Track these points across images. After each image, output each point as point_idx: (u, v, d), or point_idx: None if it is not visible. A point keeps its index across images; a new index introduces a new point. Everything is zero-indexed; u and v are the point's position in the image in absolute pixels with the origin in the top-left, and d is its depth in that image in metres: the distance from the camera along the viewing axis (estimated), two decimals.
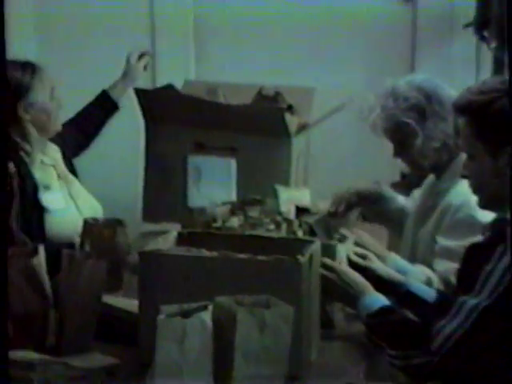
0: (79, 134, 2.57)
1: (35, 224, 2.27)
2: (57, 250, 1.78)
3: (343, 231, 2.09)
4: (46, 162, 2.39)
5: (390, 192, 2.42)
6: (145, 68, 2.74)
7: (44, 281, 1.69)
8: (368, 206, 2.37)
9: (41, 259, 1.71)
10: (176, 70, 3.27)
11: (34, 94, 2.30)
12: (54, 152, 2.45)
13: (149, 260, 1.69)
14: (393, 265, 2.04)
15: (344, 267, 1.86)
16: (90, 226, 2.14)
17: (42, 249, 1.74)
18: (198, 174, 2.62)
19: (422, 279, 2.01)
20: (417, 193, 2.38)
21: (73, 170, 2.51)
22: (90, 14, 3.41)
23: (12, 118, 2.26)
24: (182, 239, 1.85)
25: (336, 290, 1.83)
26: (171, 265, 1.67)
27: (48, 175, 2.38)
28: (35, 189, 2.31)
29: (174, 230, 1.92)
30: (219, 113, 2.57)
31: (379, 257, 2.02)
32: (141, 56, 2.72)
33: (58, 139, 2.47)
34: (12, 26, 3.15)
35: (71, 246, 2.13)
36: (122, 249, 2.11)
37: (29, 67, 2.32)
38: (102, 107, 2.65)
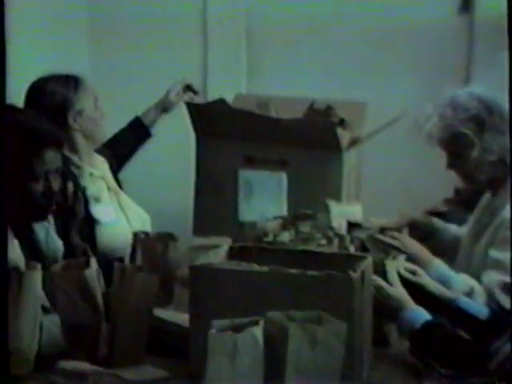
0: (112, 158, 2.58)
1: (87, 237, 2.29)
2: (108, 263, 1.79)
3: (388, 239, 2.07)
4: (95, 174, 2.42)
5: (441, 223, 2.38)
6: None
7: (96, 293, 1.69)
8: (418, 237, 2.33)
9: (93, 271, 1.72)
10: (227, 84, 3.28)
11: (80, 103, 2.34)
12: (102, 163, 2.48)
13: (200, 274, 1.68)
14: (436, 271, 2.02)
15: (380, 281, 1.83)
16: (141, 239, 2.14)
17: (94, 261, 1.75)
18: (249, 188, 2.62)
19: (464, 289, 1.98)
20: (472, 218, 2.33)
21: (118, 183, 2.53)
22: (143, 28, 3.44)
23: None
24: (232, 253, 1.84)
25: (376, 305, 1.80)
26: (222, 279, 1.66)
27: (98, 187, 2.40)
28: (86, 201, 2.33)
29: (224, 244, 1.91)
30: (270, 127, 2.57)
31: (424, 262, 1.99)
32: (186, 88, 2.69)
33: (104, 151, 2.50)
34: (65, 37, 3.23)
35: (121, 259, 2.14)
36: (173, 263, 2.11)
37: (72, 80, 2.36)
38: (135, 133, 2.67)
